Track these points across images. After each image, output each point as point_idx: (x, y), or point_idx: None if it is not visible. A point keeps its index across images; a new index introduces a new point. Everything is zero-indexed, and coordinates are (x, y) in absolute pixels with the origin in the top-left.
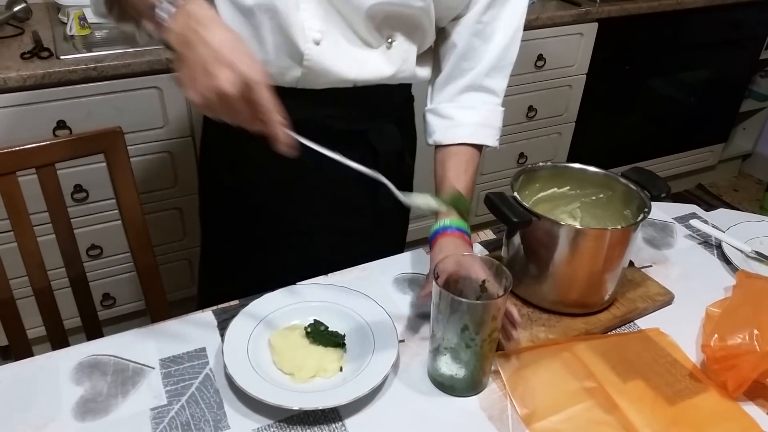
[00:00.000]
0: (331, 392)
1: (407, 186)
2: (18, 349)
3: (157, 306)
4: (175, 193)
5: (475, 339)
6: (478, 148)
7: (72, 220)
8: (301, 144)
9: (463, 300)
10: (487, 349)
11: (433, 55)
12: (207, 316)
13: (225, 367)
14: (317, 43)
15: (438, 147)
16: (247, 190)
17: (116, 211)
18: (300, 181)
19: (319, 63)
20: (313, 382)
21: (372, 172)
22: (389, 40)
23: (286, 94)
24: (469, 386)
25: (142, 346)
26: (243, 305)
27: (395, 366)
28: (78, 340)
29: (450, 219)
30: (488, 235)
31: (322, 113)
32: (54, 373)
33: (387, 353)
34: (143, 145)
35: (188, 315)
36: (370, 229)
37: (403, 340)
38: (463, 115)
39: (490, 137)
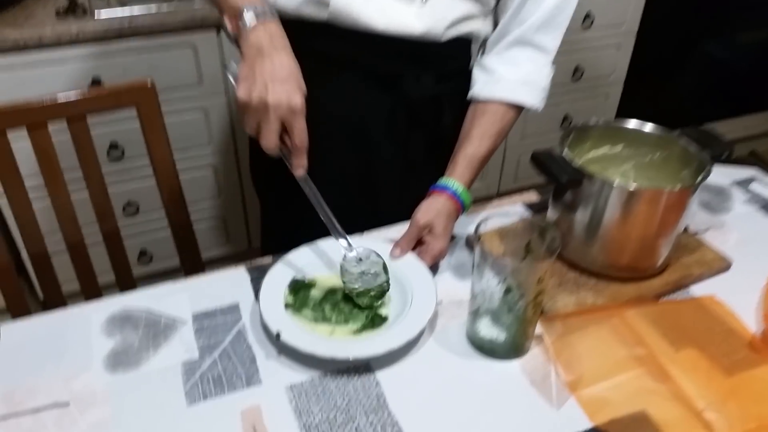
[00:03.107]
0: (365, 344)
1: (441, 150)
2: (53, 304)
3: (192, 263)
4: (210, 151)
5: (519, 302)
6: (517, 109)
7: (107, 178)
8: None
9: (509, 260)
10: (531, 313)
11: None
12: (240, 272)
13: (260, 314)
14: None
15: (474, 102)
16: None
17: (151, 168)
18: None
19: (345, 9)
20: (347, 335)
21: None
22: None
23: (317, 30)
24: (511, 350)
25: (174, 300)
26: (276, 261)
27: (432, 325)
28: (112, 296)
29: (454, 180)
30: (531, 197)
31: (353, 52)
32: (86, 325)
33: (424, 309)
34: (178, 104)
35: (221, 271)
36: (397, 188)
37: (440, 301)
38: (506, 70)
39: (531, 96)
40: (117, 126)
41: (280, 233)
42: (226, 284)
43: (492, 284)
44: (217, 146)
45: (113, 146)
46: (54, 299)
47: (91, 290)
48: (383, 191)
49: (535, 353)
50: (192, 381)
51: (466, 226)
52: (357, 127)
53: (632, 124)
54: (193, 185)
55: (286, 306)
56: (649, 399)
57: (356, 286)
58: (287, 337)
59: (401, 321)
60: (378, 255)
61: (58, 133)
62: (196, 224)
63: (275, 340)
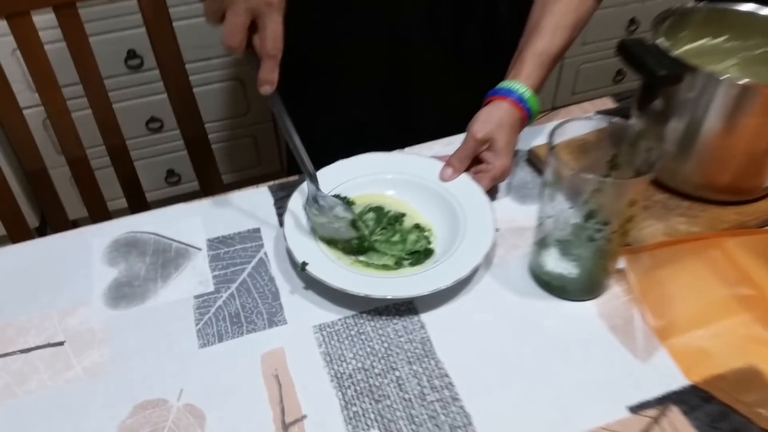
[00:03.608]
0: (408, 280)
1: (495, 51)
2: (56, 229)
3: (210, 184)
4: (236, 60)
5: (603, 230)
6: None
7: (127, 90)
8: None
9: (594, 177)
10: (617, 244)
11: None
12: (262, 192)
13: (285, 240)
14: None
15: None
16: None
17: None
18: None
19: None
20: (387, 269)
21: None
22: None
23: None
24: (585, 288)
25: (187, 224)
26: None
27: (488, 258)
28: (116, 219)
29: (520, 83)
30: (606, 104)
31: None
32: (86, 251)
33: (480, 239)
34: (198, 5)
35: (240, 191)
36: (444, 101)
37: (498, 229)
38: None
39: None
40: (134, 30)
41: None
42: (246, 206)
43: (566, 208)
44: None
45: (131, 54)
46: (57, 224)
47: (98, 214)
48: (427, 106)
49: (614, 293)
50: (205, 318)
51: (527, 140)
52: (392, 28)
53: (747, 7)
54: (218, 99)
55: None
56: (758, 351)
57: (322, 233)
58: (314, 269)
59: (452, 254)
60: (346, 210)
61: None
62: (224, 143)
63: (300, 271)
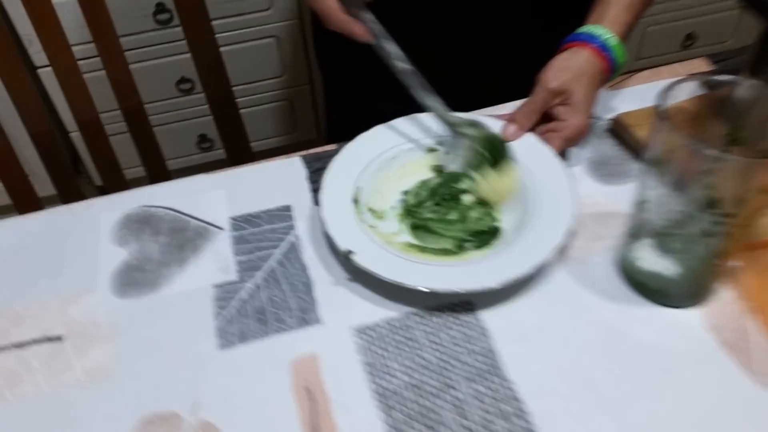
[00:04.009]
0: (465, 270)
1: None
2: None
3: (237, 151)
4: (272, 16)
5: (722, 223)
6: None
7: (156, 47)
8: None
9: (726, 154)
10: (736, 240)
11: None
12: (294, 163)
13: (321, 221)
14: None
15: None
16: None
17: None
18: None
19: None
20: (444, 256)
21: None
22: None
23: None
24: (690, 292)
25: (209, 197)
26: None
27: (564, 250)
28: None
29: (604, 27)
30: (700, 65)
31: None
32: (93, 227)
33: (555, 220)
34: None
35: (269, 161)
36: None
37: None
38: None
39: None
40: None
41: (348, 119)
42: (276, 179)
43: (672, 192)
44: (280, 10)
45: (159, 8)
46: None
47: (114, 184)
48: (491, 61)
49: (724, 298)
50: (226, 313)
51: (608, 105)
52: None
53: None
54: (252, 59)
55: (358, 210)
56: None
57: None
58: (361, 258)
59: (520, 237)
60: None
61: None
62: (257, 107)
63: (343, 260)
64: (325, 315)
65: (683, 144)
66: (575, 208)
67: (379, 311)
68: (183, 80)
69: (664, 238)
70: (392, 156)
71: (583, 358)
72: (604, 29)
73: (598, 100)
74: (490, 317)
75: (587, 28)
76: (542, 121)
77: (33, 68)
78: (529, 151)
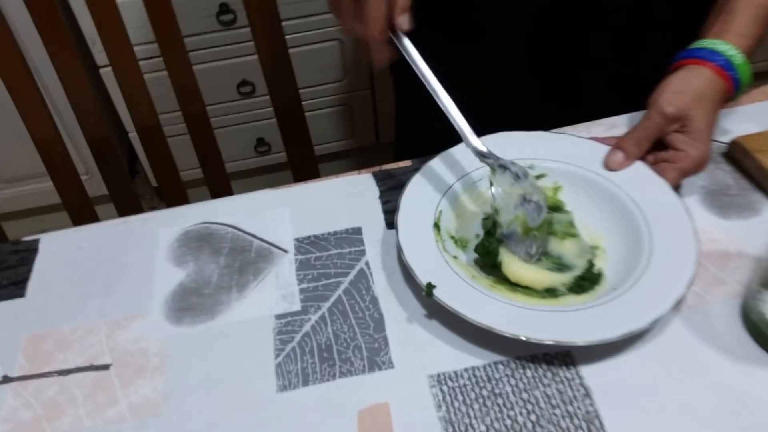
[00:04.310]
0: (565, 318)
1: None
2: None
3: (301, 160)
4: (336, 20)
5: None
6: None
7: (217, 49)
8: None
9: None
10: None
11: None
12: (364, 180)
13: (398, 249)
14: None
15: None
16: None
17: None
18: None
19: None
20: (540, 298)
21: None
22: None
23: None
24: None
25: (273, 215)
26: (424, 163)
27: (681, 300)
28: (188, 205)
29: (727, 43)
30: None
31: None
32: (150, 243)
33: (672, 274)
34: None
35: (337, 177)
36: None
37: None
38: None
39: None
40: None
41: (419, 131)
42: (344, 197)
43: None
44: None
45: (224, 8)
46: (124, 198)
47: (173, 192)
48: (590, 72)
49: None
50: (288, 349)
51: (724, 126)
52: None
53: None
54: (312, 62)
55: (439, 238)
56: None
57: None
58: (444, 294)
59: (630, 282)
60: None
61: None
62: (317, 111)
63: (423, 295)
64: (397, 358)
65: None
66: (698, 253)
67: (461, 357)
68: (244, 83)
69: None
70: (478, 177)
71: (703, 428)
72: (727, 45)
73: (718, 122)
74: (591, 373)
75: (709, 43)
76: (654, 148)
77: (96, 67)
78: (640, 182)
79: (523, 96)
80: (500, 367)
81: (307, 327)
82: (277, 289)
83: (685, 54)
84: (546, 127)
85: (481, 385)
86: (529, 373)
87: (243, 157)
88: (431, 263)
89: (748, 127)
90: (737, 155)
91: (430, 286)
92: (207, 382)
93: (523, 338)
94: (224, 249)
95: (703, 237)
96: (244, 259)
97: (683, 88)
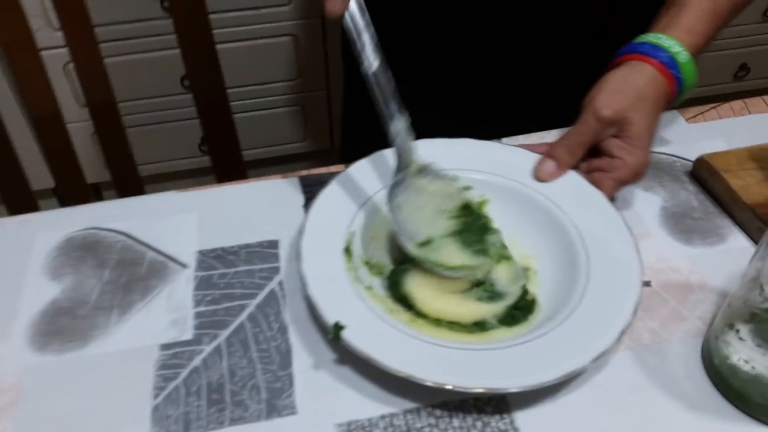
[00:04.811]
0: (495, 357)
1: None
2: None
3: (226, 162)
4: (290, 12)
5: None
6: None
7: (158, 38)
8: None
9: None
10: None
11: None
12: (289, 186)
13: (302, 279)
14: None
15: None
16: None
17: (217, 30)
18: None
19: None
20: (467, 334)
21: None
22: None
23: None
24: None
25: (176, 222)
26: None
27: (630, 334)
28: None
29: (671, 38)
30: None
31: None
32: (22, 250)
33: (615, 300)
34: None
35: (258, 180)
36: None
37: (649, 282)
38: None
39: None
40: None
41: (368, 133)
42: (263, 204)
43: None
44: (300, 6)
45: None
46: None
47: (70, 191)
48: (559, 71)
49: None
50: (170, 389)
51: (689, 142)
52: None
53: None
54: (264, 57)
55: (350, 265)
56: None
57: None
58: (354, 335)
59: (567, 310)
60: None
61: None
62: (268, 112)
63: (330, 339)
64: (302, 402)
65: None
66: (641, 275)
67: (377, 402)
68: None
69: None
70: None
71: None
72: (673, 40)
73: (659, 126)
74: (528, 422)
75: (653, 37)
76: (589, 155)
77: None
78: (574, 194)
79: (490, 99)
80: (423, 414)
81: (197, 360)
82: (167, 313)
83: (627, 49)
84: (511, 133)
85: (394, 428)
86: (456, 422)
87: (186, 155)
88: (341, 297)
89: (715, 145)
90: (703, 175)
91: (338, 328)
92: (65, 427)
93: (449, 387)
94: (111, 261)
95: (662, 265)
96: (132, 274)
97: (621, 87)
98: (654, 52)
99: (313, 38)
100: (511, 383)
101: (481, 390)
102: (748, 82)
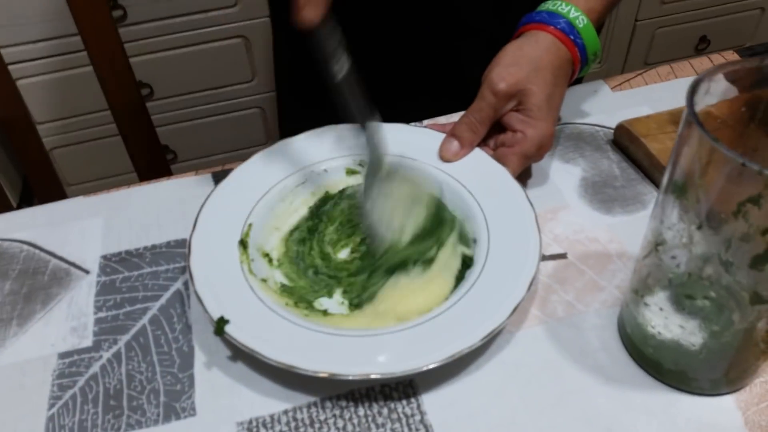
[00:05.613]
0: (395, 344)
1: None
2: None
3: (149, 164)
4: (238, 13)
5: None
6: None
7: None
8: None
9: None
10: None
11: None
12: (201, 183)
13: (190, 274)
14: None
15: None
16: None
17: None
18: None
19: None
20: (364, 317)
21: None
22: None
23: None
24: (721, 374)
25: (83, 227)
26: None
27: (543, 301)
28: None
29: (566, 3)
30: (729, 58)
31: None
32: None
33: (515, 274)
34: None
35: (168, 179)
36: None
37: (564, 254)
38: None
39: None
40: None
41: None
42: (174, 203)
43: (708, 232)
44: (247, 7)
45: (113, 2)
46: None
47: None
48: (467, 44)
49: (766, 383)
50: (66, 398)
51: (611, 110)
52: None
53: None
54: (215, 61)
55: (245, 257)
56: None
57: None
58: (239, 329)
59: (462, 292)
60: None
61: None
62: (226, 116)
63: (215, 333)
64: (202, 402)
65: (723, 160)
66: (540, 249)
67: (280, 397)
68: (141, 84)
69: (686, 296)
70: (301, 180)
71: None
72: (569, 6)
73: (563, 100)
74: (435, 407)
75: (550, 5)
76: (494, 132)
77: None
78: (478, 173)
79: (399, 78)
80: (327, 405)
81: (95, 367)
82: (67, 321)
83: (526, 19)
84: (424, 111)
85: (301, 430)
86: (361, 411)
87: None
88: (230, 291)
89: (640, 111)
90: (624, 142)
91: (222, 322)
92: None
93: (324, 375)
94: (13, 272)
95: (580, 236)
96: (34, 283)
97: (517, 59)
98: (550, 19)
99: (263, 39)
100: (397, 367)
101: (357, 378)
102: (710, 56)
